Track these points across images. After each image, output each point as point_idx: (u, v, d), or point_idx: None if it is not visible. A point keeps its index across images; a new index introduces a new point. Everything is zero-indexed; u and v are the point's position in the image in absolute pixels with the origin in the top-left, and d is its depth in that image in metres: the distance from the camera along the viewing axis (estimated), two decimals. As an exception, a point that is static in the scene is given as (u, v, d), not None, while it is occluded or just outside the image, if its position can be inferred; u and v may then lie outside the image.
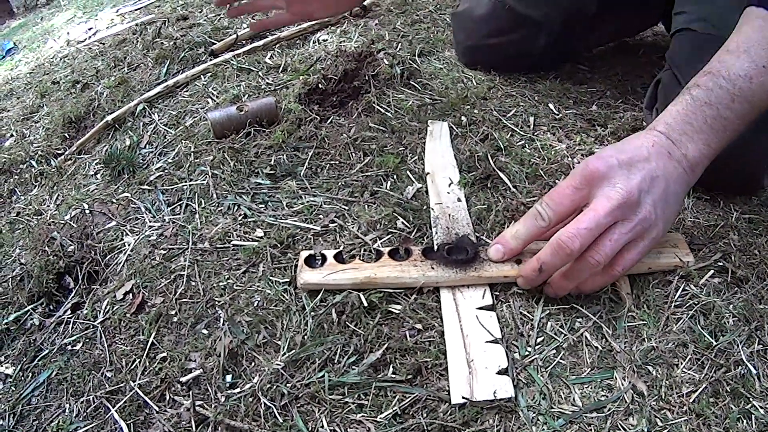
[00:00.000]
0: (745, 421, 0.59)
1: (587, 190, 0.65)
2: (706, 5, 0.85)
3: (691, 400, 0.61)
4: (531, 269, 0.67)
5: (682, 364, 0.64)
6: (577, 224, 0.63)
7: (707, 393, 0.61)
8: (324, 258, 0.77)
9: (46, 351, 0.80)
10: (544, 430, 0.59)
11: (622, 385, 0.62)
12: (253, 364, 0.70)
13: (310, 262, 0.77)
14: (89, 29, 2.21)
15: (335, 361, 0.67)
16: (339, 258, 0.77)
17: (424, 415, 0.61)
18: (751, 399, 0.61)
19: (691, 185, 0.69)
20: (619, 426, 0.59)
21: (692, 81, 0.69)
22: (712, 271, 0.73)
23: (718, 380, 0.62)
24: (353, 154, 0.99)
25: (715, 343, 0.65)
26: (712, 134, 0.66)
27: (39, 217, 1.10)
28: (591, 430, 0.59)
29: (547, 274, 0.67)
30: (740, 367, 0.63)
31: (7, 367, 0.81)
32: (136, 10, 2.21)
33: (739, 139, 0.68)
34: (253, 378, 0.68)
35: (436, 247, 0.77)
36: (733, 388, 0.61)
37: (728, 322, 0.67)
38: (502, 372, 0.63)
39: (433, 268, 0.73)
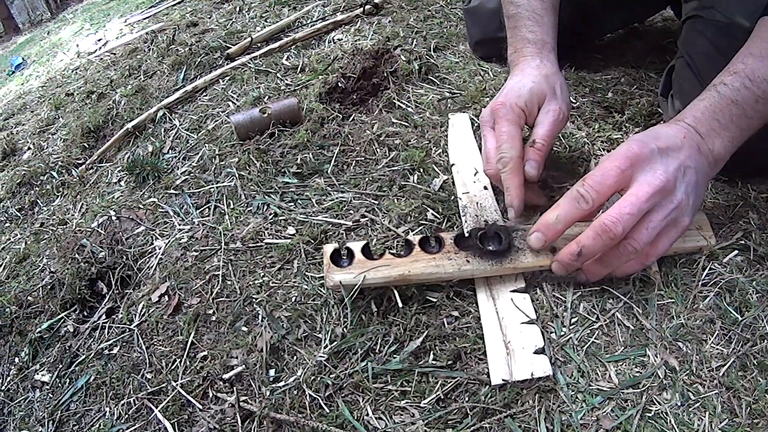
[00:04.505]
0: (773, 392, 0.61)
1: (630, 172, 0.65)
2: None
3: (720, 374, 0.62)
4: (569, 254, 0.67)
5: (710, 339, 0.66)
6: (620, 209, 0.63)
7: (736, 366, 0.63)
8: (351, 253, 0.73)
9: (83, 356, 0.82)
10: (582, 407, 0.61)
11: (655, 361, 0.64)
12: (295, 357, 0.71)
13: (337, 259, 0.73)
14: (98, 40, 2.23)
15: (377, 350, 0.69)
16: (366, 252, 0.73)
17: (466, 398, 0.63)
18: (777, 371, 0.62)
19: (711, 178, 0.71)
20: (654, 401, 0.61)
21: (718, 78, 0.70)
22: (735, 250, 0.74)
23: (745, 354, 0.64)
24: (378, 150, 1.01)
25: (740, 319, 0.67)
26: (737, 132, 0.68)
27: (64, 227, 1.12)
28: (628, 405, 0.61)
29: (584, 259, 0.67)
30: (766, 341, 0.65)
31: (43, 375, 0.83)
32: (144, 19, 2.23)
33: None
34: (297, 371, 0.69)
35: (467, 234, 0.75)
36: (760, 361, 0.63)
37: (752, 298, 0.69)
38: (539, 351, 0.65)
39: (468, 261, 0.72)
